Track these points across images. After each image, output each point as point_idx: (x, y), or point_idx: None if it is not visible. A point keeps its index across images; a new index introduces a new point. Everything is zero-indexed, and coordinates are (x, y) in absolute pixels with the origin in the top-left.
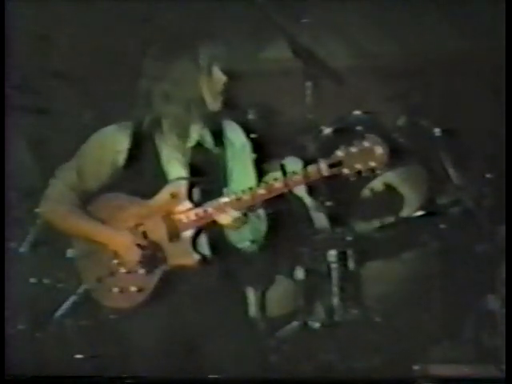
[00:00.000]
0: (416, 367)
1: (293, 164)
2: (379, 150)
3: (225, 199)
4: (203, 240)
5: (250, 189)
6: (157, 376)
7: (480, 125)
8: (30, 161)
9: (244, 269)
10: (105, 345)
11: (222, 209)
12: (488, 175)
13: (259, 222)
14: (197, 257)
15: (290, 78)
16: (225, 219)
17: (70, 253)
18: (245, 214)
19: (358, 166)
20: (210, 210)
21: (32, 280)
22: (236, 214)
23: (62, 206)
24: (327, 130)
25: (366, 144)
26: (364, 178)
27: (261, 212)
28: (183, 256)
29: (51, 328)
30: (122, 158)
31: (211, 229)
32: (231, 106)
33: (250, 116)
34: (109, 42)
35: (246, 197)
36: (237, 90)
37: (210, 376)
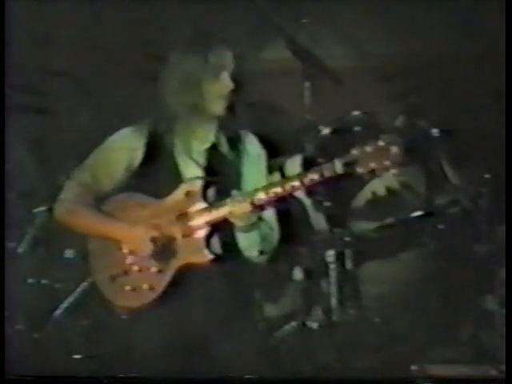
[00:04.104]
0: (414, 367)
1: (292, 164)
2: (394, 149)
3: (239, 196)
4: (215, 241)
5: (265, 187)
6: (157, 376)
7: (478, 125)
8: (28, 161)
9: (246, 272)
10: (104, 344)
11: (235, 203)
12: (486, 175)
13: (271, 233)
14: (210, 255)
15: (288, 78)
16: (237, 211)
17: (68, 253)
18: (259, 218)
19: (373, 165)
20: (223, 209)
21: (30, 280)
22: (248, 206)
23: (76, 207)
24: (326, 130)
25: (381, 143)
26: (362, 178)
27: (274, 223)
28: (196, 254)
29: (49, 328)
30: (137, 159)
31: (223, 231)
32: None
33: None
34: (109, 42)
35: (261, 194)
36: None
37: (209, 376)
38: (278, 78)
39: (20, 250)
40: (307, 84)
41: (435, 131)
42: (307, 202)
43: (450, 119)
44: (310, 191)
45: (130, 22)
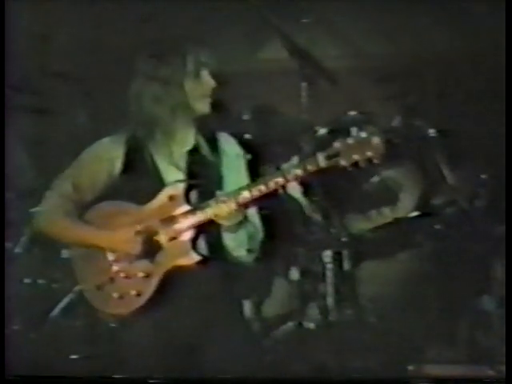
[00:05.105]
0: (411, 367)
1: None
2: (376, 140)
3: (223, 197)
4: (202, 243)
5: (249, 185)
6: (152, 376)
7: (475, 125)
8: (27, 161)
9: (241, 272)
10: (100, 345)
11: (220, 204)
12: (483, 176)
13: (255, 231)
14: (196, 257)
15: (285, 78)
16: (222, 211)
17: (64, 253)
18: (245, 217)
19: (356, 157)
20: (208, 210)
21: (27, 280)
22: (233, 205)
23: (58, 218)
24: (322, 131)
25: (363, 135)
26: (359, 178)
27: (257, 221)
28: (182, 257)
29: (46, 328)
30: (117, 168)
31: (209, 233)
32: (223, 109)
33: (245, 117)
34: (108, 42)
35: (245, 192)
36: (231, 91)
37: (206, 376)
38: (275, 79)
39: (16, 250)
40: (304, 84)
41: (432, 131)
42: (304, 202)
43: (447, 120)
44: (306, 191)
45: (130, 22)
